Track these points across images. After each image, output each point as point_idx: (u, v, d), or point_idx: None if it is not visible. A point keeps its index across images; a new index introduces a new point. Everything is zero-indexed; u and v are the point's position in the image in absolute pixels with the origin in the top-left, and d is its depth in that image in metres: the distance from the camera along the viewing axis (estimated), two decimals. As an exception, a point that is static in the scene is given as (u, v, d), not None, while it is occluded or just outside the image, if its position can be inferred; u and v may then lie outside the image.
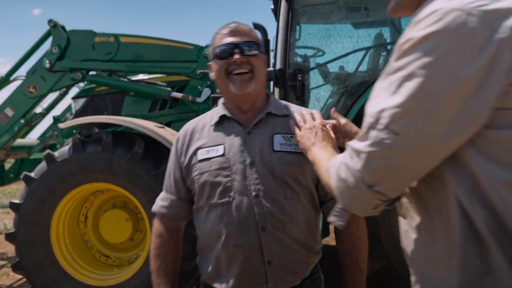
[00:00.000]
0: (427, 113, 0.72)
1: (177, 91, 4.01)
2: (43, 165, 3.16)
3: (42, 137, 5.52)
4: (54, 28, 4.00)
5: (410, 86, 0.73)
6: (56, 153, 3.16)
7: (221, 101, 1.58)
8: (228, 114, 1.49)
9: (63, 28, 4.03)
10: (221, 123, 1.50)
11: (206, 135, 1.49)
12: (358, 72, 3.69)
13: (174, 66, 3.97)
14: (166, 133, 3.16)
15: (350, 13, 4.23)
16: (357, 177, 0.82)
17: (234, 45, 1.41)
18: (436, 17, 0.71)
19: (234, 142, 1.43)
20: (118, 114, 4.07)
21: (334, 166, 0.92)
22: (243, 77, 1.41)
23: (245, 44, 1.42)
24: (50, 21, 4.00)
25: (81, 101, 4.25)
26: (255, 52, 1.44)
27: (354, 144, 0.85)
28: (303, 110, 1.51)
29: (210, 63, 1.52)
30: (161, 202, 1.56)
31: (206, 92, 3.87)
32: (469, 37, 0.69)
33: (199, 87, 3.89)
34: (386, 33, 3.99)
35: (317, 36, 4.09)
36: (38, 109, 4.63)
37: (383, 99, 0.78)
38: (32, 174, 3.17)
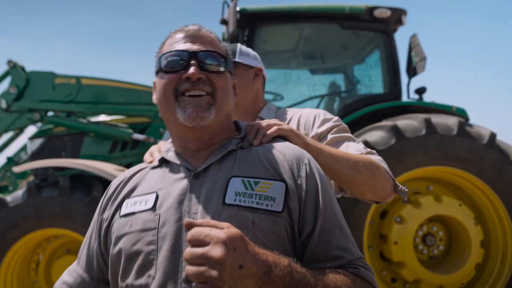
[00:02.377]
0: None
1: (139, 132, 4.04)
2: (-6, 209, 3.04)
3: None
4: (13, 68, 3.95)
5: None
6: (8, 198, 3.06)
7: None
8: (168, 157, 1.07)
9: (22, 68, 4.00)
10: (164, 165, 1.09)
11: (140, 180, 1.08)
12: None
13: (136, 108, 4.02)
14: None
15: (307, 60, 4.50)
16: None
17: (190, 54, 1.01)
18: None
19: (172, 190, 0.99)
20: (77, 155, 4.01)
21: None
22: (199, 101, 0.99)
23: (206, 54, 1.02)
24: (9, 61, 3.95)
25: (38, 141, 4.15)
26: (221, 68, 1.04)
27: None
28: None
29: (154, 80, 1.09)
30: (66, 275, 1.11)
31: (168, 135, 3.92)
32: None
33: (160, 129, 3.94)
34: (340, 81, 4.25)
35: (276, 82, 4.31)
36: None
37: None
38: (-19, 220, 3.02)
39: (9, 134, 4.58)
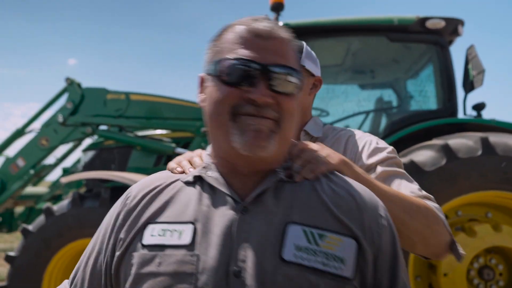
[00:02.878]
0: None
1: (182, 147, 4.10)
2: (41, 218, 3.21)
3: (52, 186, 5.66)
4: (71, 85, 4.24)
5: None
6: (55, 207, 3.22)
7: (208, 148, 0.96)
8: (208, 178, 0.85)
9: (78, 85, 4.27)
10: (197, 186, 0.86)
11: (171, 198, 0.85)
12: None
13: (180, 123, 4.10)
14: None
15: (355, 75, 4.33)
16: None
17: (262, 69, 0.78)
18: None
19: (214, 224, 0.79)
20: (125, 167, 4.16)
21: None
22: (261, 126, 0.78)
23: (281, 70, 0.79)
24: (67, 79, 4.24)
25: (90, 153, 4.39)
26: (296, 89, 0.83)
27: None
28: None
29: (206, 83, 0.86)
30: None
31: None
32: None
33: (202, 144, 3.97)
34: (389, 96, 4.02)
35: (320, 96, 4.18)
36: (52, 160, 4.80)
37: None
38: (30, 227, 3.21)
39: (67, 147, 4.90)
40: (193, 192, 0.84)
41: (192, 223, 0.78)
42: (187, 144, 4.15)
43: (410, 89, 3.94)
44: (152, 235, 0.79)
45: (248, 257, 0.74)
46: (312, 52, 1.44)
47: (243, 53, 0.79)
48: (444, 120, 3.29)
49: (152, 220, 0.82)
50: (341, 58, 4.09)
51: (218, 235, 0.76)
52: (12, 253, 3.22)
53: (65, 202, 3.24)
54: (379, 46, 3.78)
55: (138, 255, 0.78)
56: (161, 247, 0.77)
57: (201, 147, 3.99)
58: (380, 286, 0.78)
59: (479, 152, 2.81)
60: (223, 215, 0.78)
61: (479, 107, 3.47)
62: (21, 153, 4.31)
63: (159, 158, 4.19)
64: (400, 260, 0.82)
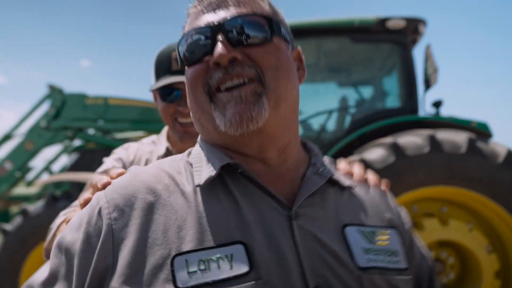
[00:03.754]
0: None
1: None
2: (18, 218, 3.43)
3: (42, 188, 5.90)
4: (53, 91, 4.44)
5: None
6: (31, 208, 3.43)
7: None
8: (243, 167, 0.68)
9: (60, 91, 4.47)
10: (221, 184, 0.68)
11: (187, 210, 0.64)
12: (324, 133, 3.81)
13: (154, 125, 4.27)
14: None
15: (328, 74, 4.43)
16: None
17: (213, 29, 0.67)
18: None
19: (267, 237, 0.63)
20: (106, 169, 4.36)
21: None
22: (240, 94, 0.66)
23: (237, 21, 0.68)
24: (50, 86, 4.45)
25: (75, 156, 4.60)
26: (264, 35, 0.68)
27: None
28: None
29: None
30: None
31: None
32: None
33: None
34: (353, 94, 4.11)
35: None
36: (42, 162, 5.03)
37: None
38: (8, 227, 3.43)
39: (56, 150, 5.12)
40: (218, 196, 0.65)
41: (241, 242, 0.60)
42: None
43: (375, 88, 4.04)
44: (190, 271, 0.57)
45: (324, 270, 0.63)
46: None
47: (196, 24, 0.70)
48: (399, 119, 3.39)
49: (179, 251, 0.59)
50: (314, 58, 4.20)
51: (278, 250, 0.61)
52: (-7, 251, 3.44)
53: (40, 203, 3.45)
54: (344, 46, 3.88)
55: None
56: (212, 286, 0.57)
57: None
58: (415, 263, 0.79)
59: (426, 149, 2.90)
60: (273, 224, 0.63)
61: (437, 104, 3.55)
62: (8, 156, 4.54)
63: (138, 159, 4.38)
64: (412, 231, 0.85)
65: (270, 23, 0.69)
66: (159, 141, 1.47)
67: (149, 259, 0.58)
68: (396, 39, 3.66)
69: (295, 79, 0.72)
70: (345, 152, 3.40)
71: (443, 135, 2.95)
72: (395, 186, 2.88)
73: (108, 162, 1.42)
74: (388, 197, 0.84)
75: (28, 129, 4.53)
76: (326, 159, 0.82)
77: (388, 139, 3.04)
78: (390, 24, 3.60)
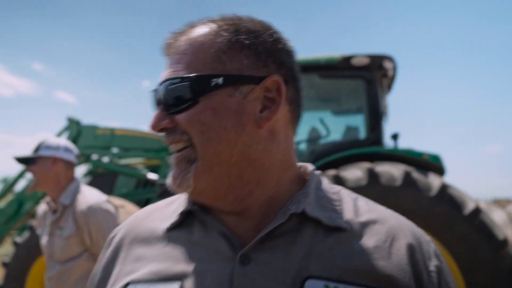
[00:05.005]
0: None
1: (153, 172, 4.83)
2: (27, 232, 4.07)
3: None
4: (71, 123, 5.18)
5: None
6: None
7: None
8: (198, 210, 0.69)
9: (77, 123, 5.20)
10: (187, 225, 0.70)
11: (153, 248, 0.69)
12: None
13: (152, 153, 4.85)
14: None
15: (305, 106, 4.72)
16: None
17: (154, 94, 0.68)
18: None
19: (206, 279, 0.61)
20: (113, 190, 4.99)
21: None
22: (174, 159, 0.67)
23: (165, 86, 0.65)
24: (69, 118, 5.19)
25: (88, 179, 5.28)
26: (184, 96, 0.64)
27: None
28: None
29: None
30: None
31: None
32: None
33: (167, 171, 4.66)
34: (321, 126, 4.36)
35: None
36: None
37: None
38: (19, 239, 4.08)
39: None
40: (185, 233, 0.68)
41: (180, 279, 0.61)
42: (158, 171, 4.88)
43: (343, 120, 4.26)
44: None
45: None
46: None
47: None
48: (349, 152, 3.60)
49: (132, 280, 0.65)
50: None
51: None
52: (6, 260, 4.11)
53: (44, 220, 4.08)
54: (315, 82, 4.18)
55: None
56: None
57: (166, 173, 4.70)
58: None
59: (364, 182, 3.11)
60: (218, 267, 0.61)
61: (394, 137, 3.72)
62: (35, 178, 5.32)
63: (139, 182, 4.97)
64: None
65: (199, 81, 0.62)
66: None
67: (121, 280, 0.68)
68: (361, 75, 3.90)
69: (238, 133, 0.63)
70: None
71: (382, 168, 3.14)
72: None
73: None
74: (404, 247, 0.63)
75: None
76: (333, 194, 0.72)
77: (332, 172, 3.28)
78: (355, 61, 3.86)
